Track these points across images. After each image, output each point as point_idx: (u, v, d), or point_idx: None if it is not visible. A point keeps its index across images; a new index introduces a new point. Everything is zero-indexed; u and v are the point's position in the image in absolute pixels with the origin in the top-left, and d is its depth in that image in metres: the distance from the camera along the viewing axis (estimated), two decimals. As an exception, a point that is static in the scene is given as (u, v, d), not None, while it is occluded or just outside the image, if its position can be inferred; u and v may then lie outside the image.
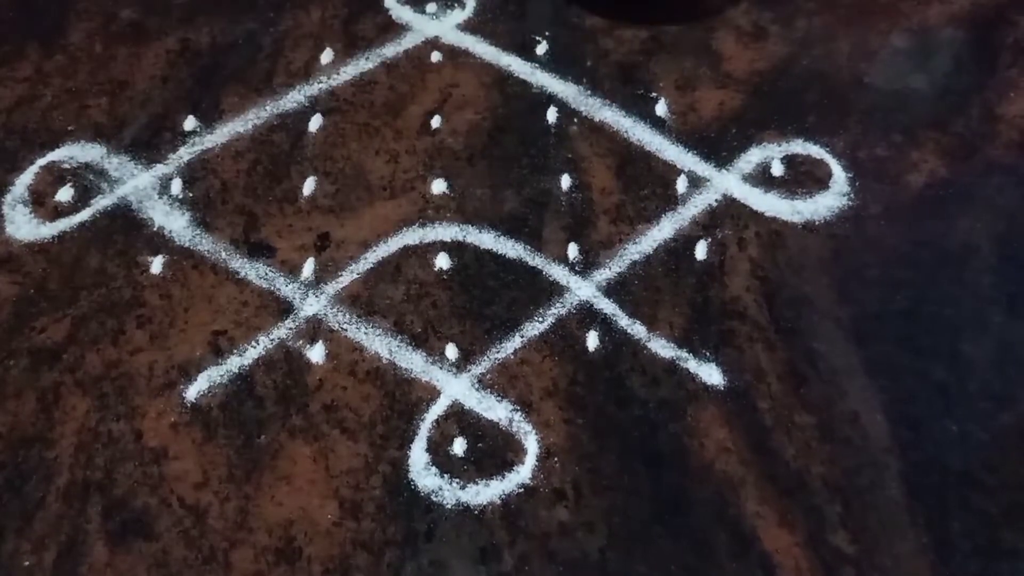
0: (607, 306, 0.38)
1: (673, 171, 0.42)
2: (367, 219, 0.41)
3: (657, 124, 0.44)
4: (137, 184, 0.42)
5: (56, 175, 0.43)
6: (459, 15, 0.49)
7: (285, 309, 0.38)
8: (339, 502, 0.33)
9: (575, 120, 0.44)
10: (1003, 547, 0.32)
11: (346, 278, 0.39)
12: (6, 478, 0.34)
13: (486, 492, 0.33)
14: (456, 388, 0.36)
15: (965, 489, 0.33)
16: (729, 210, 0.41)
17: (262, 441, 0.34)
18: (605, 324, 0.37)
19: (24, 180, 0.43)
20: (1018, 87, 0.45)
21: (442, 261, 0.39)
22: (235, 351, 0.37)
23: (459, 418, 0.35)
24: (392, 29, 0.48)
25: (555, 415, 0.35)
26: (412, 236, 0.40)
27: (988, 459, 0.34)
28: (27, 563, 0.32)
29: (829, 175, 0.42)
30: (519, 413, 0.35)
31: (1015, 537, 0.32)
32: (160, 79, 0.46)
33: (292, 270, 0.39)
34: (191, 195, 0.42)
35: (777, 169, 0.42)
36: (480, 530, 0.32)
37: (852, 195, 0.41)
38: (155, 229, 0.41)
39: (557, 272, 0.39)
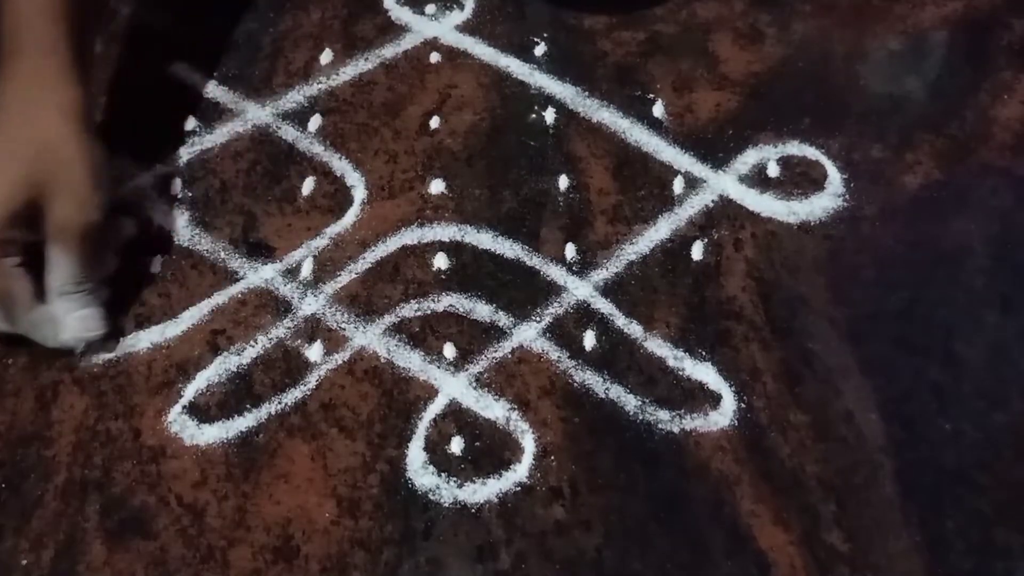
0: (604, 306, 0.38)
1: (670, 172, 0.43)
2: (366, 219, 0.41)
3: (654, 125, 0.44)
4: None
5: (55, 174, 0.43)
6: (458, 16, 0.49)
7: (284, 308, 0.38)
8: (337, 501, 0.33)
9: (573, 121, 0.44)
10: (997, 546, 0.32)
11: (344, 278, 0.39)
12: (4, 476, 0.34)
13: (483, 491, 0.33)
14: (454, 387, 0.36)
15: (959, 488, 0.33)
16: (725, 211, 0.41)
17: (260, 440, 0.34)
18: (602, 324, 0.38)
19: (23, 179, 0.43)
20: (1012, 89, 0.45)
21: (440, 261, 0.40)
22: (233, 350, 0.37)
23: (457, 417, 0.35)
24: (391, 30, 0.48)
25: (552, 414, 0.35)
26: (410, 236, 0.41)
27: (982, 458, 0.34)
28: (25, 561, 0.32)
29: (824, 176, 0.42)
30: (516, 412, 0.35)
31: (1009, 536, 0.32)
32: (159, 79, 0.47)
33: (291, 270, 0.40)
34: (190, 195, 0.42)
35: (773, 170, 0.43)
36: (477, 528, 0.32)
37: (847, 196, 0.42)
38: (154, 228, 0.41)
39: (555, 272, 0.39)
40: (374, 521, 0.32)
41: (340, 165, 0.43)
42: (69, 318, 0.32)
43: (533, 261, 0.40)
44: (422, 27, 0.48)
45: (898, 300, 0.38)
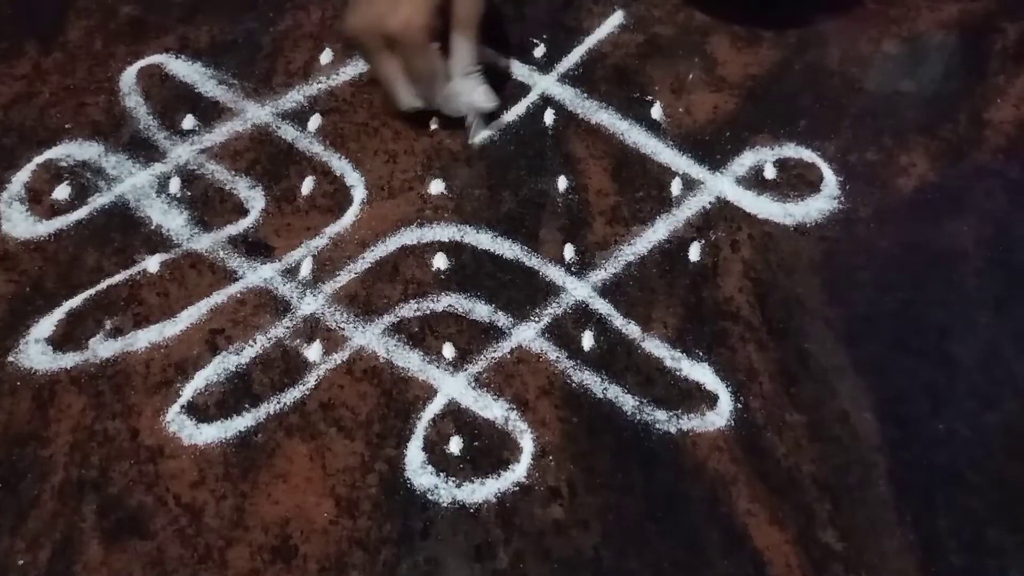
0: (602, 306, 0.38)
1: (668, 174, 0.43)
2: (365, 219, 0.41)
3: (652, 127, 0.44)
4: (135, 183, 0.42)
5: (53, 173, 0.43)
6: (457, 17, 0.49)
7: (283, 308, 0.38)
8: (335, 500, 0.33)
9: (572, 122, 0.45)
10: (989, 545, 0.32)
11: (344, 277, 0.39)
12: (1, 476, 0.34)
13: (482, 490, 0.33)
14: (453, 387, 0.36)
15: (952, 487, 0.34)
16: (722, 212, 0.42)
17: (259, 439, 0.35)
18: (600, 324, 0.38)
19: (21, 178, 0.43)
20: (1006, 93, 0.46)
21: (440, 261, 0.40)
22: (232, 349, 0.37)
23: (455, 417, 0.35)
24: (390, 31, 0.48)
25: (550, 414, 0.35)
26: (410, 236, 0.41)
27: (975, 458, 0.34)
28: (21, 562, 0.32)
29: (820, 179, 0.43)
30: (515, 412, 0.35)
31: (1001, 535, 0.33)
32: (159, 77, 0.46)
33: (290, 269, 0.40)
34: (189, 194, 0.42)
35: (770, 172, 0.43)
36: (475, 528, 0.32)
37: (843, 198, 0.42)
38: (153, 228, 0.41)
39: (553, 273, 0.39)
40: (373, 521, 0.33)
41: (340, 165, 0.43)
42: (471, 93, 0.41)
43: (532, 262, 0.40)
44: (421, 28, 0.48)
45: (893, 301, 0.39)
